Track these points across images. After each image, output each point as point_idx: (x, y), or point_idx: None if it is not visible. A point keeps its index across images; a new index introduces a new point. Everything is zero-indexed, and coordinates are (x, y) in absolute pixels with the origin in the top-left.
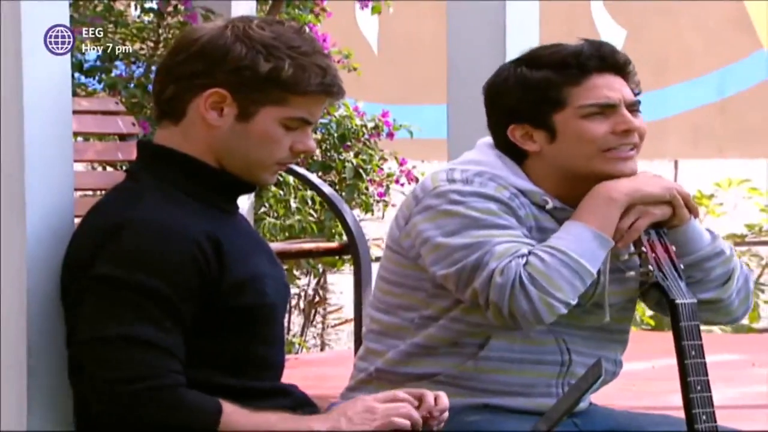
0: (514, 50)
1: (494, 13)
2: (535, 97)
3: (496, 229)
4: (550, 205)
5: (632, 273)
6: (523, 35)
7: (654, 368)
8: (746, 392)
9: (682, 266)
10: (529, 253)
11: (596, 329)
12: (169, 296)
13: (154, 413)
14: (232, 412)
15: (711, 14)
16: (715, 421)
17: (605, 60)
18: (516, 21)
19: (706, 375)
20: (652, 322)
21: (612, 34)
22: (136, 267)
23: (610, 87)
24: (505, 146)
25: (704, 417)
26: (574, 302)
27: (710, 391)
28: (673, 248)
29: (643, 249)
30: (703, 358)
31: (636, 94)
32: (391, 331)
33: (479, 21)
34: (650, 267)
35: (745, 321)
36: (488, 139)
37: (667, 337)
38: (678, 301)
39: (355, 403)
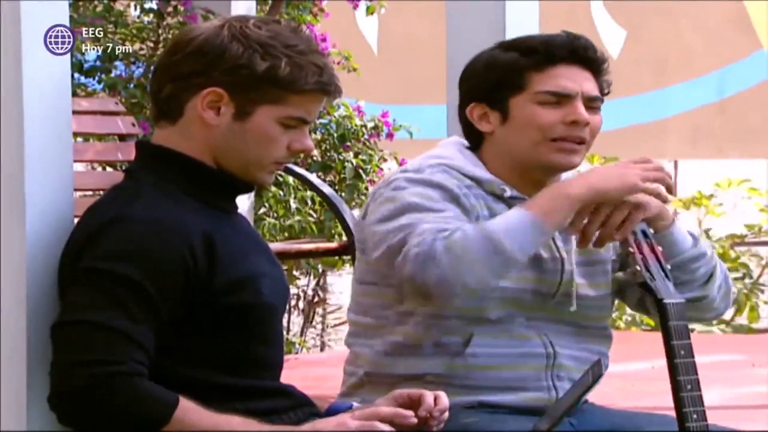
0: None
1: (494, 13)
2: (498, 78)
3: (429, 212)
4: (507, 194)
5: (603, 267)
6: (522, 35)
7: (654, 368)
8: (746, 392)
9: (669, 266)
10: (456, 230)
11: (574, 325)
12: (147, 289)
13: (107, 398)
14: (190, 408)
15: (711, 14)
16: (706, 420)
17: (575, 53)
18: (515, 21)
19: (696, 374)
20: (652, 323)
21: (612, 34)
22: (117, 258)
23: (570, 78)
24: (466, 128)
25: (695, 416)
26: (492, 283)
27: (700, 390)
28: (660, 248)
29: (630, 249)
30: (692, 357)
31: (604, 95)
32: (369, 331)
33: (479, 21)
34: (637, 267)
35: (744, 321)
36: (452, 138)
37: None
38: (666, 301)
39: (330, 419)
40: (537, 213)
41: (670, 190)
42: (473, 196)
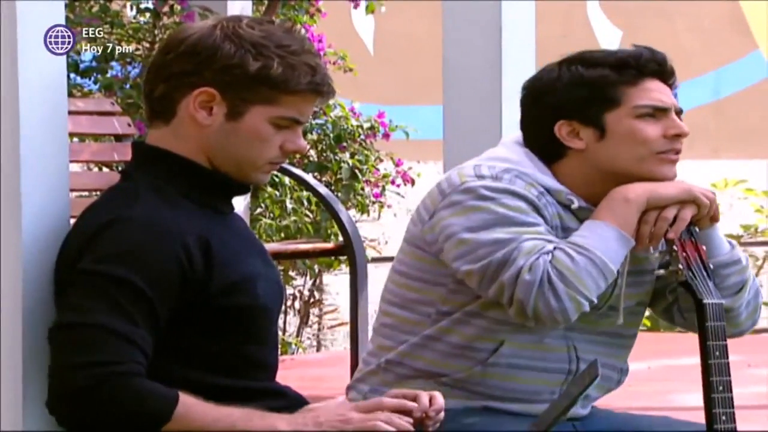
0: (509, 51)
1: (490, 14)
2: (589, 95)
3: (524, 226)
4: (575, 205)
5: (648, 277)
6: (518, 36)
7: (649, 369)
8: (742, 393)
9: (711, 266)
10: (555, 249)
11: (608, 334)
12: (144, 291)
13: (107, 398)
14: (191, 404)
15: (707, 15)
16: (735, 422)
17: (661, 66)
18: (512, 21)
19: (729, 375)
20: (648, 323)
21: (608, 34)
22: (115, 261)
23: (661, 91)
24: (542, 143)
25: (724, 417)
26: (596, 301)
27: (731, 392)
28: (704, 247)
29: (675, 247)
30: (727, 358)
31: None
32: (406, 325)
33: (475, 21)
34: (680, 266)
35: None
36: (513, 135)
37: (662, 338)
38: (705, 301)
39: (331, 408)
40: (616, 224)
41: (717, 216)
42: (549, 205)
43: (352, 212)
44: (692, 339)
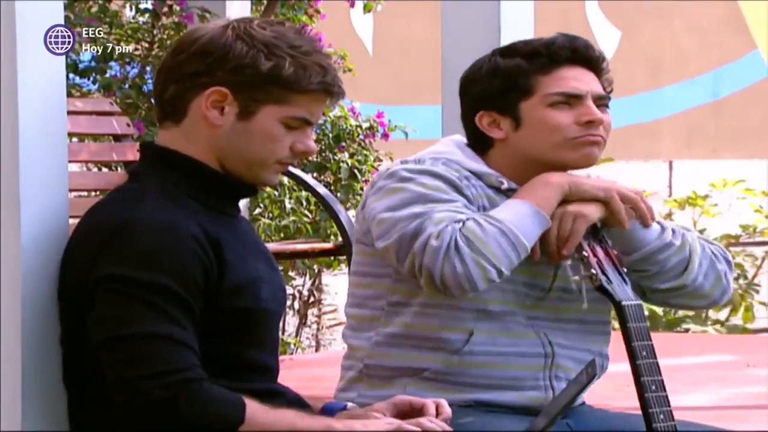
0: None
1: (489, 14)
2: (504, 85)
3: (440, 203)
4: (505, 186)
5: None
6: (517, 36)
7: None
8: (741, 393)
9: (625, 269)
10: (467, 219)
11: (575, 321)
12: (180, 293)
13: (185, 406)
14: (253, 406)
15: (705, 15)
16: (673, 420)
17: (577, 52)
18: (510, 21)
19: (660, 375)
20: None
21: (606, 34)
22: (144, 265)
23: (577, 78)
24: (472, 135)
25: (661, 416)
26: (507, 272)
27: (665, 391)
28: (615, 251)
29: (585, 253)
30: (655, 358)
31: (608, 92)
32: (364, 323)
33: (473, 22)
34: (593, 270)
35: (739, 321)
36: (452, 136)
37: (659, 337)
38: (624, 303)
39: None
40: (534, 202)
41: (645, 218)
42: (473, 187)
43: (352, 212)
44: (692, 339)
